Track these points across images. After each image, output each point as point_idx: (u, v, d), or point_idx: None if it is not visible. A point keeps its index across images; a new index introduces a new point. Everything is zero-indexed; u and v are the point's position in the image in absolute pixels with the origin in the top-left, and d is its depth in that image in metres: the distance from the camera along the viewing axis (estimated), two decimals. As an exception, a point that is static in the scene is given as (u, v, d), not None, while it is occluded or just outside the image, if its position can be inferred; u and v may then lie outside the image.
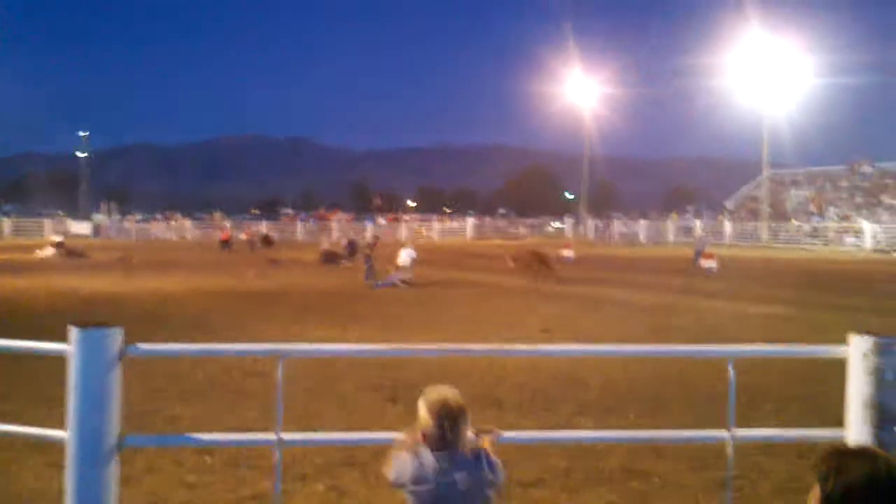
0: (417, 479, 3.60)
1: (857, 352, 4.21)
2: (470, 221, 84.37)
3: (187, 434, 6.15)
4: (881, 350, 4.13)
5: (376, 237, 36.21)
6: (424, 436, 3.64)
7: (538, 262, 29.95)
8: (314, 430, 8.75)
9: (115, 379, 4.22)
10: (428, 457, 3.61)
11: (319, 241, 51.43)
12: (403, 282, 26.90)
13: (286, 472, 7.03)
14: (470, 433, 3.76)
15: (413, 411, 9.82)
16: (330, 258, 38.65)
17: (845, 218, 65.40)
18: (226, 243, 49.89)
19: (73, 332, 4.18)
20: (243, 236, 57.02)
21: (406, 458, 3.65)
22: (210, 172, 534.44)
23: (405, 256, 28.42)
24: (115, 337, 4.25)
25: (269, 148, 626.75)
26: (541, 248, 35.59)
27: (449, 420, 3.59)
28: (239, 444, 7.32)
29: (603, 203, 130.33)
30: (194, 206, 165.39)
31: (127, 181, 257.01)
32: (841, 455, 2.58)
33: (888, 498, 2.40)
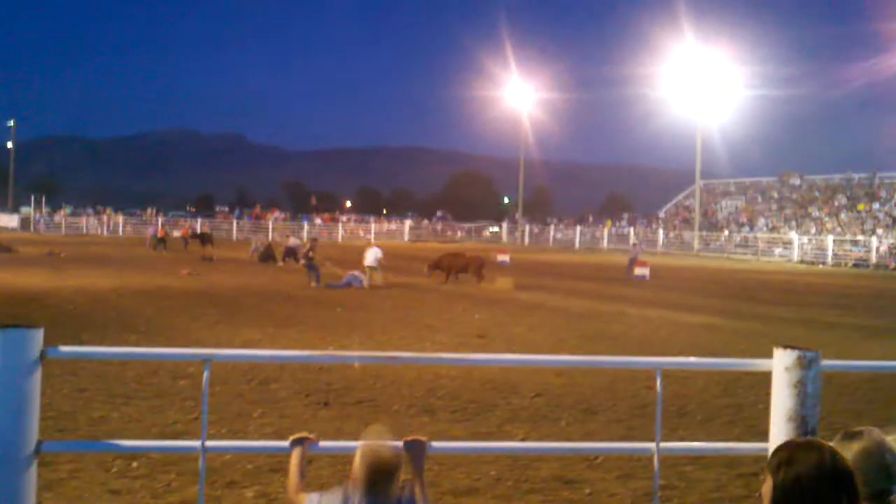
0: None
1: (780, 365, 4.28)
2: (407, 224, 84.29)
3: (107, 440, 6.01)
4: (803, 364, 4.21)
5: (315, 239, 35.89)
6: (356, 483, 3.64)
7: (457, 265, 30.09)
8: (244, 434, 8.64)
9: (34, 382, 4.08)
10: (356, 501, 3.61)
11: (249, 241, 50.99)
12: (370, 285, 27.04)
13: (215, 478, 6.92)
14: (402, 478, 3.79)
15: (345, 416, 9.77)
16: (267, 257, 38.33)
17: (774, 229, 66.95)
18: (161, 241, 48.97)
19: (-9, 334, 4.03)
20: (179, 233, 56.10)
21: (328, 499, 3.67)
22: (141, 167, 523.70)
23: (371, 256, 28.21)
24: (35, 338, 4.10)
25: (202, 144, 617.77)
26: (459, 251, 35.76)
27: (381, 476, 3.61)
28: (161, 450, 7.17)
29: (539, 208, 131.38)
30: (126, 201, 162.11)
31: (56, 174, 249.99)
32: (791, 448, 2.76)
33: (833, 484, 2.59)
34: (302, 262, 29.38)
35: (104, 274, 28.96)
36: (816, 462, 2.63)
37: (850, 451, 2.87)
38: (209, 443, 4.41)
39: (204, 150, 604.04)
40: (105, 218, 77.31)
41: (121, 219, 77.52)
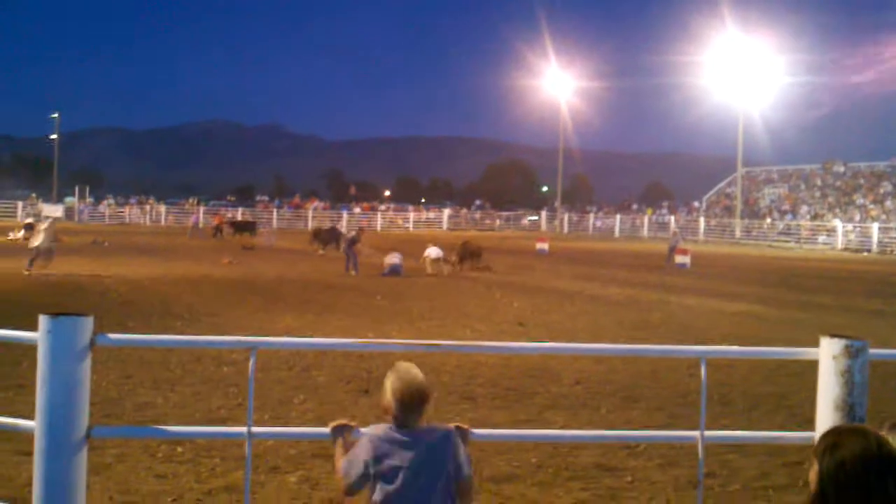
0: (379, 457, 3.61)
1: (826, 354, 4.24)
2: (445, 212, 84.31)
3: (155, 426, 6.09)
4: (851, 352, 4.18)
5: (361, 228, 36.12)
6: (387, 411, 3.71)
7: (469, 255, 30.02)
8: (286, 420, 8.74)
9: (85, 369, 4.17)
10: (390, 434, 3.66)
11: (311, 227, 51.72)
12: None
13: (258, 463, 7.01)
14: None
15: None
16: (321, 236, 38.89)
17: (818, 217, 66.02)
18: (218, 229, 49.68)
19: (43, 321, 4.12)
20: (215, 221, 56.84)
21: (359, 450, 3.69)
22: (181, 158, 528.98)
23: (434, 252, 29.04)
24: (86, 326, 4.19)
25: (241, 134, 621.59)
26: (473, 240, 35.63)
27: (416, 397, 3.68)
28: (208, 436, 7.26)
29: (578, 197, 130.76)
30: (166, 192, 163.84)
31: (97, 165, 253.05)
32: (838, 433, 2.78)
33: (879, 470, 2.60)
34: (343, 248, 29.62)
35: (147, 262, 29.38)
36: (862, 448, 2.64)
37: None
38: (255, 429, 4.47)
39: (243, 140, 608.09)
40: (148, 208, 78.22)
41: (163, 209, 78.43)
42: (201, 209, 72.70)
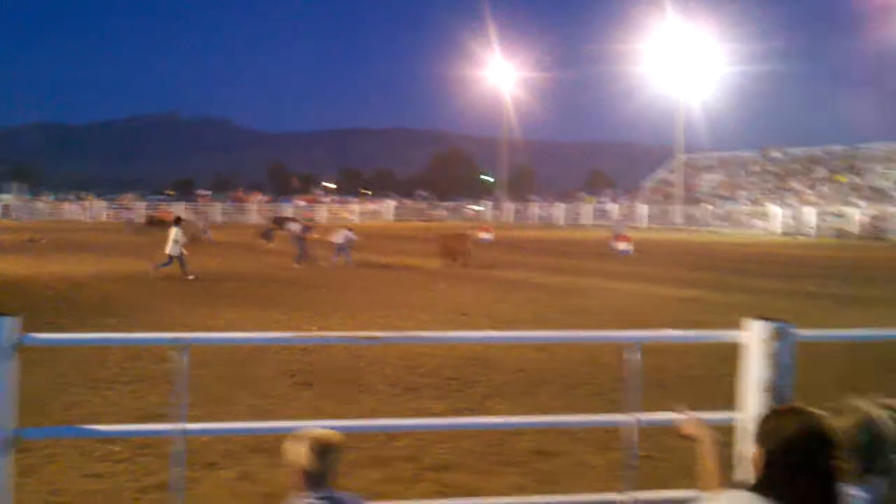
0: None
1: (755, 337, 4.32)
2: (390, 204, 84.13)
3: (85, 426, 5.94)
4: (778, 335, 4.25)
5: (311, 221, 35.86)
6: (298, 475, 3.51)
7: (458, 248, 29.69)
8: (226, 416, 8.64)
9: (10, 370, 4.06)
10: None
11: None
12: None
13: (195, 460, 6.92)
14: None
15: (327, 395, 9.78)
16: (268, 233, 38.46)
17: (756, 202, 67.27)
18: (161, 222, 49.24)
19: (-36, 322, 4.00)
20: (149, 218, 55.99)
21: None
22: (121, 153, 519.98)
23: (341, 236, 28.26)
24: (9, 326, 4.08)
25: (181, 128, 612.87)
26: (461, 232, 35.30)
27: (323, 455, 3.49)
28: (140, 434, 7.13)
29: (521, 186, 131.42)
30: (106, 187, 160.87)
31: (34, 161, 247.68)
32: (777, 415, 2.85)
33: (822, 442, 2.67)
34: (294, 235, 29.15)
35: (85, 259, 28.81)
36: (804, 425, 2.71)
37: (841, 425, 2.88)
38: (189, 425, 4.40)
39: (184, 134, 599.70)
40: (87, 204, 76.69)
41: (103, 204, 76.96)
42: (143, 205, 71.56)
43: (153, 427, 6.26)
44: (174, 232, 23.42)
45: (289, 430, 3.88)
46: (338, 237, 28.06)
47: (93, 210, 74.33)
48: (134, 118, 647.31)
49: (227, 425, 7.07)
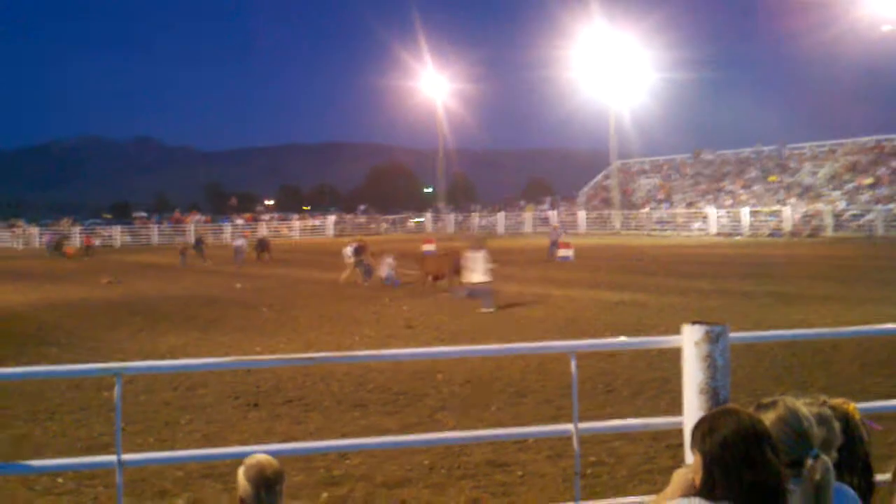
0: None
1: (689, 340, 4.43)
2: (331, 219, 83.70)
3: (19, 462, 5.83)
4: (711, 338, 4.37)
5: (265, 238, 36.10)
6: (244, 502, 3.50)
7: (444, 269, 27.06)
8: (172, 442, 8.58)
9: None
10: None
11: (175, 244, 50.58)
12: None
13: (144, 488, 6.87)
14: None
15: (275, 416, 9.74)
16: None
17: (692, 204, 68.44)
18: (89, 248, 48.87)
19: None
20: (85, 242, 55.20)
21: None
22: (51, 177, 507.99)
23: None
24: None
25: (112, 150, 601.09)
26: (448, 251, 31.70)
27: (266, 487, 3.45)
28: (77, 467, 6.98)
29: (461, 196, 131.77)
30: (38, 213, 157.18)
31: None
32: (711, 418, 2.94)
33: (756, 441, 2.78)
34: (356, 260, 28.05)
35: (21, 288, 28.15)
36: (737, 425, 2.81)
37: (766, 421, 2.96)
38: (127, 456, 4.36)
39: (115, 155, 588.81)
40: (19, 230, 74.79)
41: (36, 231, 75.11)
42: (77, 229, 70.06)
43: (90, 459, 6.09)
44: None
45: (233, 455, 3.88)
46: (383, 269, 26.98)
47: (26, 236, 72.51)
48: (57, 142, 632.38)
49: (168, 454, 7.02)
